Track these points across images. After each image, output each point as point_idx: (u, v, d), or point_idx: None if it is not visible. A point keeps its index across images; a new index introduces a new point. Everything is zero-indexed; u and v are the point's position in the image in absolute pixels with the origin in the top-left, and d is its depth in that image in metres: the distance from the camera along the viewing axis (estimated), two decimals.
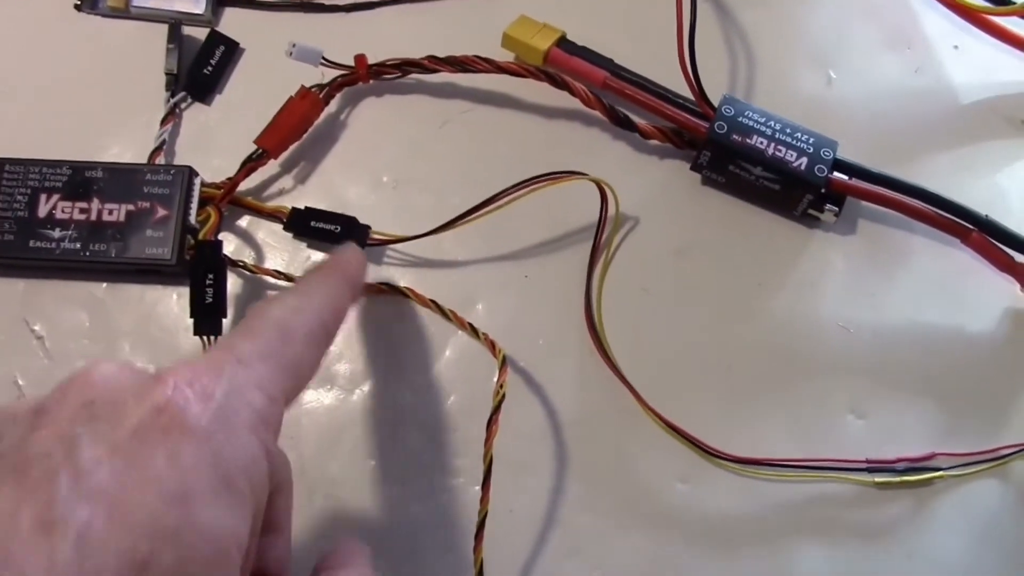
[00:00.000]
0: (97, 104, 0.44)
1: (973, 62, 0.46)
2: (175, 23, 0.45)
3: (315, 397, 0.40)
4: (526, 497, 0.39)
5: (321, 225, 0.41)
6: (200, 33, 0.45)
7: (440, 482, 0.39)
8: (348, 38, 0.45)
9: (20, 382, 0.40)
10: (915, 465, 0.39)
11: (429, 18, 0.47)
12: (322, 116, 0.43)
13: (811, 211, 0.42)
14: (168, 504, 0.23)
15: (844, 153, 0.42)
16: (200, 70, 0.45)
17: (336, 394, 0.40)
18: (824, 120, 0.44)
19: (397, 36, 0.46)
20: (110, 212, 0.40)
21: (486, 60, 0.42)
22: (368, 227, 0.41)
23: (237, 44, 0.46)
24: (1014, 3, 0.44)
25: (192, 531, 0.24)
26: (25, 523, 0.22)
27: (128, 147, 0.43)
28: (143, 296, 0.41)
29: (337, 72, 0.43)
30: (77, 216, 0.40)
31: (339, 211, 0.42)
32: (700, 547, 0.38)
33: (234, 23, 0.46)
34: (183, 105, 0.45)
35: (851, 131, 0.44)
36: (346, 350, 0.41)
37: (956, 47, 0.46)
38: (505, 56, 0.44)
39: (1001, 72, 0.46)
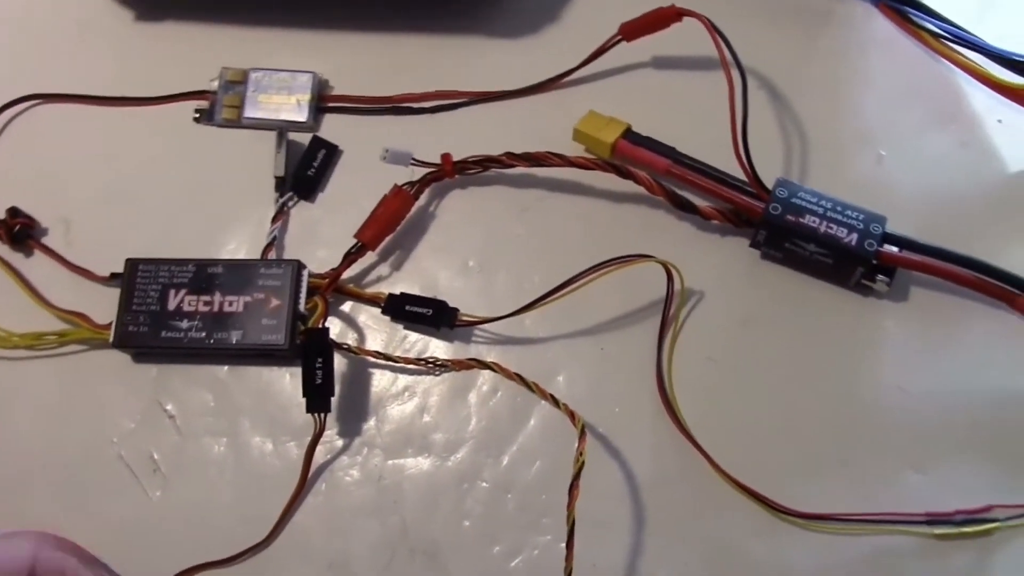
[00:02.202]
0: (215, 205, 0.49)
1: (1017, 134, 0.48)
2: (281, 131, 0.49)
3: (415, 464, 0.43)
4: (608, 553, 0.41)
5: (415, 309, 0.45)
6: (304, 138, 0.50)
7: (530, 540, 0.42)
8: (434, 136, 0.49)
9: (156, 456, 0.44)
10: (973, 517, 0.41)
11: (506, 114, 0.50)
12: (413, 209, 0.47)
13: (864, 281, 0.44)
14: None
15: (895, 226, 0.44)
16: (304, 172, 0.49)
17: (433, 461, 0.43)
18: (876, 196, 0.46)
19: (478, 132, 0.50)
20: (230, 304, 0.45)
21: (558, 155, 0.46)
22: (456, 310, 0.45)
23: (336, 147, 0.50)
24: None
25: None
26: None
27: (243, 243, 0.48)
28: (260, 377, 0.45)
29: (425, 170, 0.47)
30: (202, 308, 0.45)
31: (430, 295, 0.46)
32: None
33: (333, 127, 0.51)
34: (290, 204, 0.49)
35: (902, 205, 0.46)
36: (441, 421, 0.44)
37: (1000, 121, 0.49)
38: (576, 148, 0.48)
39: None
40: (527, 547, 0.42)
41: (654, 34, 0.48)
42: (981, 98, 0.49)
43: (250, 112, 0.51)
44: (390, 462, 0.44)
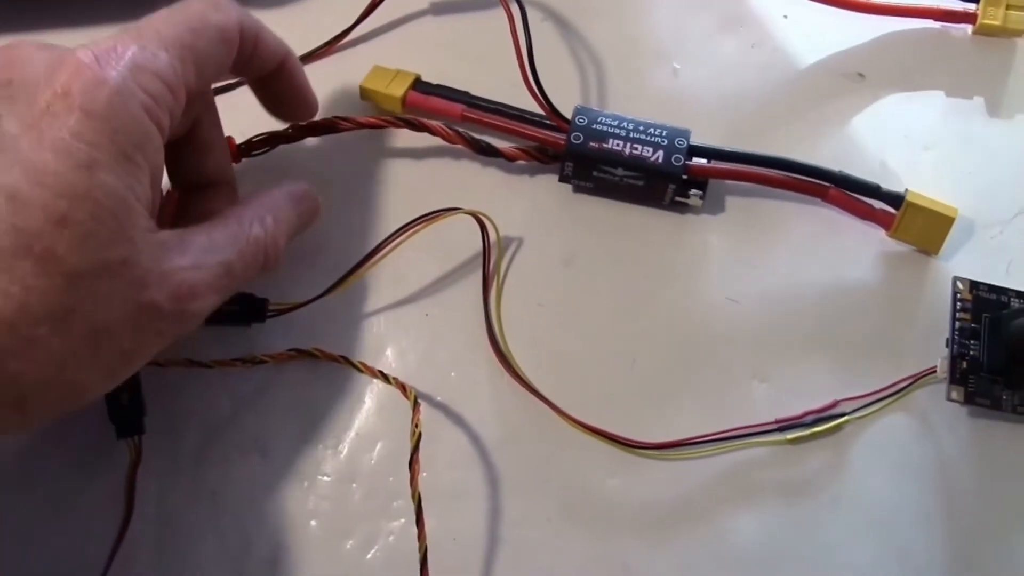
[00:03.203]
0: None
1: (803, 28, 0.47)
2: None
3: (247, 469, 0.40)
4: (467, 523, 0.39)
5: (221, 307, 0.41)
6: None
7: (383, 527, 0.39)
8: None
9: None
10: (821, 415, 0.40)
11: None
12: None
13: (678, 199, 0.43)
14: (77, 171, 0.28)
15: (701, 137, 0.43)
16: None
17: (266, 463, 0.40)
18: (678, 110, 0.45)
19: (261, 108, 0.46)
20: None
21: (345, 119, 0.42)
22: (266, 300, 0.41)
23: None
24: None
25: (99, 191, 0.28)
26: None
27: None
28: None
29: None
30: None
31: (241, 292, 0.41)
32: (639, 536, 0.39)
33: None
34: None
35: (704, 114, 0.45)
36: (270, 420, 0.40)
37: (785, 16, 0.48)
38: (366, 108, 0.45)
39: (830, 32, 0.47)
40: (381, 535, 0.39)
41: None
42: None
43: None
44: (220, 473, 0.40)
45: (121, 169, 0.29)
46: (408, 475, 0.36)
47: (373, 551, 0.38)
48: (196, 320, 0.33)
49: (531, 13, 0.44)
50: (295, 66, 0.39)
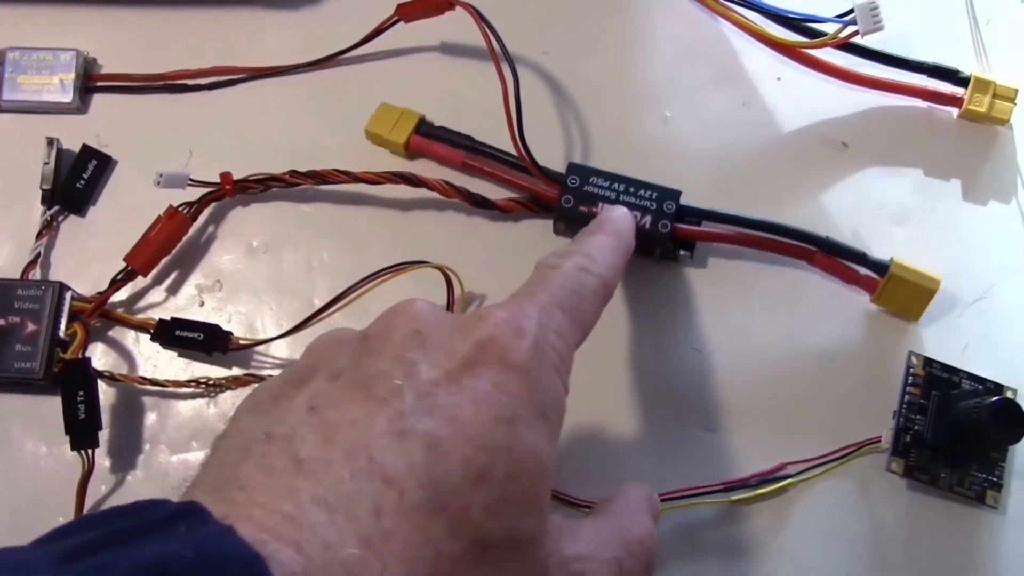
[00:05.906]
0: None
1: (794, 92, 0.46)
2: (51, 140, 0.43)
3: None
4: None
5: (185, 334, 0.40)
6: (75, 144, 0.43)
7: None
8: (212, 115, 0.45)
9: None
10: (767, 478, 0.39)
11: (286, 90, 0.45)
12: (192, 229, 0.42)
13: (665, 259, 0.42)
14: (498, 424, 0.24)
15: (685, 186, 0.41)
16: (74, 184, 0.43)
17: None
18: (664, 157, 0.44)
19: (257, 108, 0.45)
20: None
21: (344, 172, 0.41)
22: (230, 333, 0.40)
23: (109, 158, 0.44)
24: (825, 35, 0.43)
25: (519, 448, 0.24)
26: (380, 429, 0.23)
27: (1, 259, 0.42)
28: (12, 406, 0.40)
29: (205, 189, 0.41)
30: None
31: (213, 321, 0.40)
32: None
33: (103, 109, 0.45)
34: (59, 219, 0.42)
35: (689, 165, 0.44)
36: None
37: (779, 79, 0.46)
38: (367, 144, 0.44)
39: (820, 99, 0.45)
40: None
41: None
42: (760, 56, 0.46)
43: (9, 95, 0.44)
44: (177, 466, 0.39)
45: (538, 428, 0.25)
46: None
47: None
48: None
49: (531, 47, 0.42)
50: None
